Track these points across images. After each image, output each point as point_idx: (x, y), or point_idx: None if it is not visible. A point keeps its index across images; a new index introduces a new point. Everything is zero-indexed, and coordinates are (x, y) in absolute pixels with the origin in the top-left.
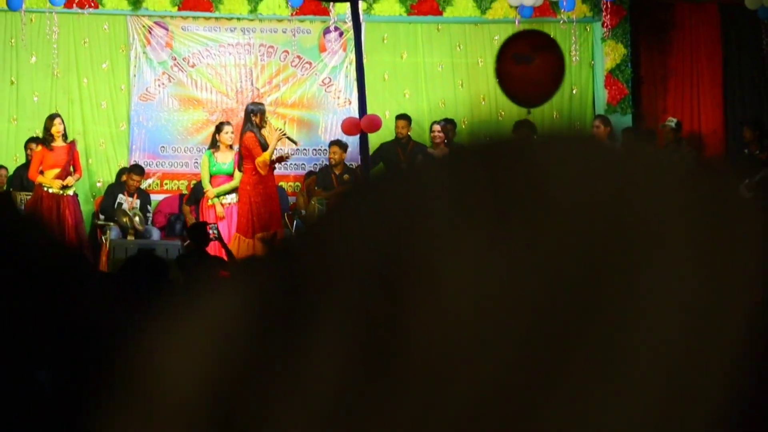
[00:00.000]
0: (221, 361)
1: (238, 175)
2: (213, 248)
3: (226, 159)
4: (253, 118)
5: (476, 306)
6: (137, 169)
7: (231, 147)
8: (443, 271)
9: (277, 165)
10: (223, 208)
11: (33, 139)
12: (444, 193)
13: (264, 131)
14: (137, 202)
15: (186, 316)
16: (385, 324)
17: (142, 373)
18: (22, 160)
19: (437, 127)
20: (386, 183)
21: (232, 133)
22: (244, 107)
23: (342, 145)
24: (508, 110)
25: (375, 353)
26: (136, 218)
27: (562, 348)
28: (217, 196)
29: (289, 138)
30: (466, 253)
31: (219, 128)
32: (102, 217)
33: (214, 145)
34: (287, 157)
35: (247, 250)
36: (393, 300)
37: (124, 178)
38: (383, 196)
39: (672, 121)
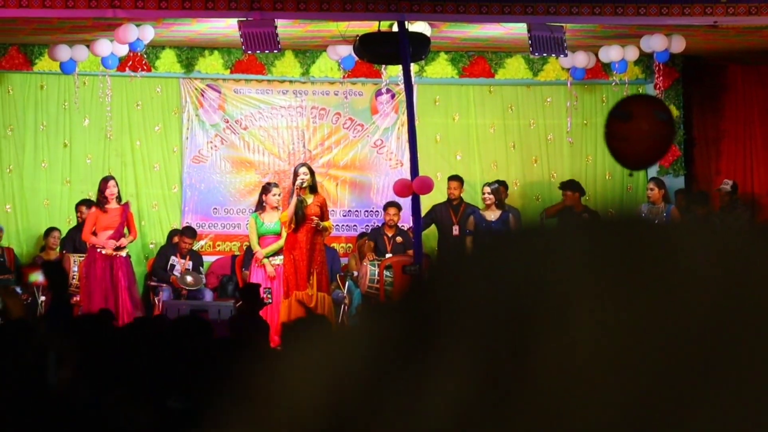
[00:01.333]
0: (344, 382)
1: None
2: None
3: (273, 219)
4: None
5: (600, 349)
6: (189, 231)
7: (277, 208)
8: (572, 313)
9: (318, 226)
10: (274, 268)
11: (83, 202)
12: (579, 249)
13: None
14: (189, 264)
15: (314, 340)
16: (513, 355)
17: (266, 391)
18: (75, 222)
19: (488, 189)
20: (521, 235)
21: (280, 194)
22: None
23: (398, 206)
24: (560, 172)
25: (500, 381)
26: (188, 277)
27: (676, 403)
28: (267, 256)
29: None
30: (596, 300)
31: (266, 189)
32: (154, 278)
33: (260, 206)
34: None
35: (285, 310)
36: (522, 333)
37: (176, 240)
38: (517, 247)
39: (728, 184)
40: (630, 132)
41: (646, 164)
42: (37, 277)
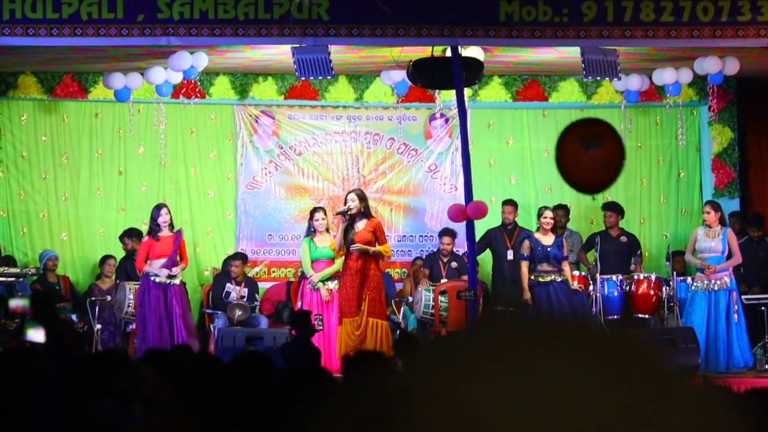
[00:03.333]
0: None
1: (340, 259)
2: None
3: (325, 243)
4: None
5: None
6: (239, 256)
7: (327, 231)
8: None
9: (357, 250)
10: (329, 293)
11: (126, 233)
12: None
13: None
14: (245, 291)
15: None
16: None
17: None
18: (123, 253)
19: (549, 213)
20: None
21: (324, 219)
22: None
23: (453, 234)
24: (614, 195)
25: None
26: (237, 311)
27: None
28: (322, 280)
29: (339, 212)
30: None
31: (312, 215)
32: (210, 305)
33: (310, 231)
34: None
35: (339, 336)
36: None
37: (233, 269)
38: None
39: None
40: (588, 159)
41: (603, 188)
42: (18, 302)
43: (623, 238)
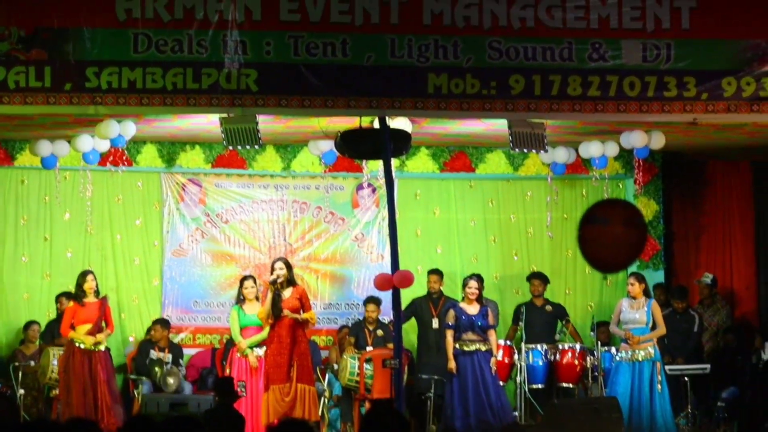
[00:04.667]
0: None
1: (266, 330)
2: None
3: (254, 311)
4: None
5: None
6: (162, 322)
7: (256, 299)
8: None
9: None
10: (256, 359)
11: (63, 294)
12: None
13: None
14: (169, 357)
15: None
16: None
17: None
18: (54, 315)
19: (474, 284)
20: None
21: (253, 287)
22: None
23: (377, 302)
24: (540, 265)
25: None
26: (170, 379)
27: None
28: (250, 347)
29: (272, 281)
30: None
31: (241, 283)
32: (134, 372)
33: (239, 299)
34: (275, 281)
35: (264, 404)
36: None
37: (152, 332)
38: None
39: (708, 277)
40: (604, 237)
41: (620, 269)
42: None
43: (548, 308)
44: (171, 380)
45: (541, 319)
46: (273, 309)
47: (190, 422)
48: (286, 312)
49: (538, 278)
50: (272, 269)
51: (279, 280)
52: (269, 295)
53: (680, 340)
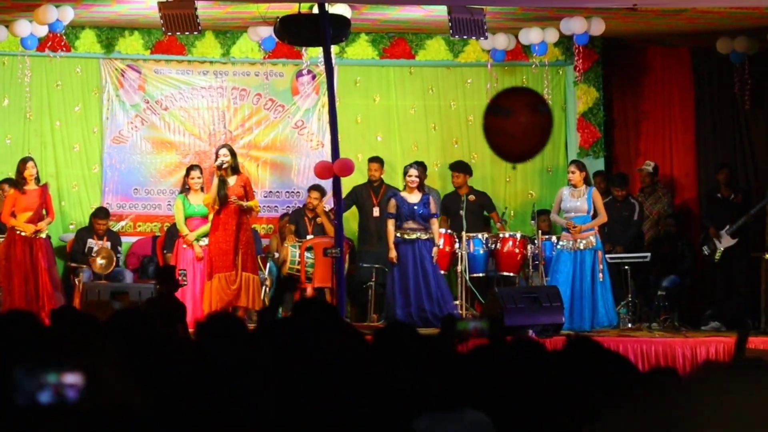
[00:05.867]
0: None
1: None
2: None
3: (199, 201)
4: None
5: None
6: (102, 213)
7: (202, 189)
8: None
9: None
10: (201, 249)
11: (5, 180)
12: None
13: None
14: (107, 245)
15: None
16: None
17: None
18: None
19: (414, 172)
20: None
21: (199, 177)
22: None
23: (321, 191)
24: (481, 153)
25: None
26: (99, 261)
27: None
28: (196, 239)
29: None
30: None
31: (187, 172)
32: (73, 261)
33: (185, 188)
34: (220, 167)
35: (207, 291)
36: None
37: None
38: None
39: (650, 165)
40: (508, 128)
41: (528, 157)
42: None
43: (471, 197)
44: (100, 261)
45: (465, 210)
46: (218, 195)
47: (138, 316)
48: (232, 198)
49: (456, 169)
50: (216, 156)
51: (224, 166)
52: (215, 181)
53: (620, 228)
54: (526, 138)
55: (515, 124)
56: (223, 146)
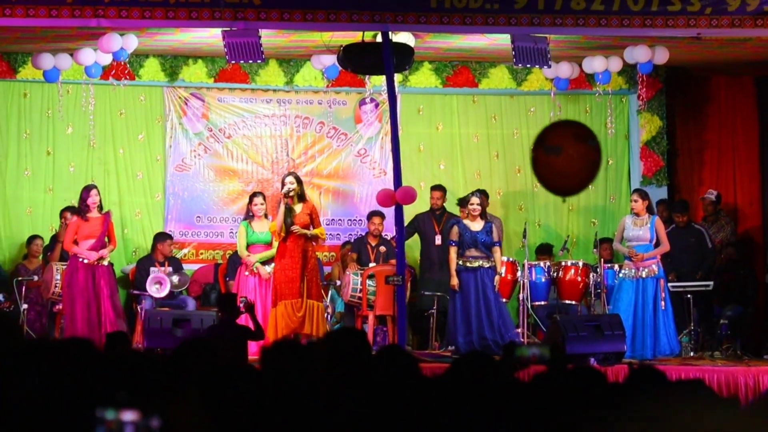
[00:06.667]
0: None
1: (276, 244)
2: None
3: (263, 228)
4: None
5: None
6: (162, 236)
7: (266, 216)
8: None
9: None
10: (268, 275)
11: (68, 208)
12: None
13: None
14: (169, 270)
15: None
16: None
17: None
18: (58, 228)
19: (476, 200)
20: None
21: (262, 204)
22: (280, 177)
23: (382, 216)
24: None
25: None
26: (174, 278)
27: None
28: (259, 262)
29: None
30: None
31: (250, 199)
32: (136, 288)
33: (248, 215)
34: (287, 194)
35: (272, 319)
36: None
37: (158, 247)
38: None
39: (712, 194)
40: (559, 164)
41: (577, 191)
42: None
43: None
44: (176, 278)
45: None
46: (285, 222)
47: (201, 346)
48: (295, 228)
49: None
50: (283, 183)
51: (290, 194)
52: (281, 208)
53: (688, 255)
54: (575, 172)
55: (565, 160)
56: (290, 174)
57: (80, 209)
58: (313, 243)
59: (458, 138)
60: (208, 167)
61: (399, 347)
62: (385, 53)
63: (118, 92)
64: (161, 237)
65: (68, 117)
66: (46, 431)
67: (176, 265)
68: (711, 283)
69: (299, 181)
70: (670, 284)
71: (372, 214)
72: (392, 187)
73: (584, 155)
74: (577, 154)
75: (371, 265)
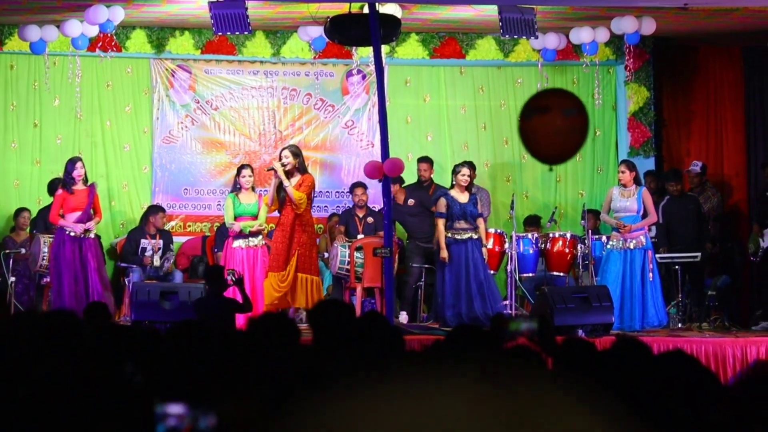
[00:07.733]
0: None
1: (262, 217)
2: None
3: (249, 200)
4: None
5: None
6: (156, 208)
7: (253, 189)
8: None
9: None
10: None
11: (58, 181)
12: None
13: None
14: (160, 243)
15: None
16: None
17: None
18: (45, 202)
19: (467, 171)
20: None
21: (250, 176)
22: (267, 150)
23: (364, 186)
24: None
25: None
26: (156, 257)
27: None
28: (243, 229)
29: (271, 168)
30: None
31: (238, 171)
32: (124, 262)
33: (236, 188)
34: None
35: (268, 287)
36: None
37: (150, 220)
38: None
39: (697, 165)
40: (544, 127)
41: (564, 159)
42: None
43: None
44: (158, 262)
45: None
46: (277, 196)
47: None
48: (273, 164)
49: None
50: (280, 157)
51: (287, 167)
52: (273, 182)
53: (691, 222)
54: (565, 131)
55: (553, 118)
56: (286, 147)
57: (66, 182)
58: (307, 217)
59: (445, 109)
60: (195, 139)
61: (380, 314)
62: (372, 24)
63: (104, 64)
64: (154, 210)
65: (55, 89)
66: (36, 407)
67: (167, 237)
68: (698, 254)
69: (296, 154)
70: (657, 255)
71: (354, 186)
72: (380, 159)
73: (571, 122)
74: (564, 121)
75: (359, 236)
